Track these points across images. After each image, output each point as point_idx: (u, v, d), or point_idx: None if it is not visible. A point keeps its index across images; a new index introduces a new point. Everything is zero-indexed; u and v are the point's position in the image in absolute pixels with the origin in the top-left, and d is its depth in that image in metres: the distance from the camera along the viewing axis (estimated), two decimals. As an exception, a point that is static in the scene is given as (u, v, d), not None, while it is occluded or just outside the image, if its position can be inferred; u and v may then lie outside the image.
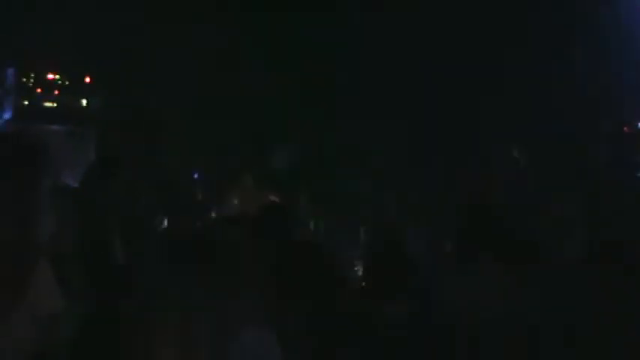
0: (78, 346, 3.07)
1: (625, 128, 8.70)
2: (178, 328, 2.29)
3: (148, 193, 5.35)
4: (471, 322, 3.04)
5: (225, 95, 8.84)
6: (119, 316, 2.61)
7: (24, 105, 8.15)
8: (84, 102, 8.29)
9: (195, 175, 8.05)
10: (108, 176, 5.25)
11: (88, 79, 8.28)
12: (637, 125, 8.46)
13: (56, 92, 8.24)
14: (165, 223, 5.69)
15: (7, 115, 8.04)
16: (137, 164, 5.44)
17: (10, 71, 8.15)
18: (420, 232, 6.94)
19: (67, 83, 8.30)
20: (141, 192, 5.23)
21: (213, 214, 6.89)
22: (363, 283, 4.02)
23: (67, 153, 7.78)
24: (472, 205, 4.60)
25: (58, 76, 8.29)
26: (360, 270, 6.58)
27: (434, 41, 8.78)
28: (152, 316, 2.32)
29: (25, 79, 8.17)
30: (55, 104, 8.21)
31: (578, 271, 3.46)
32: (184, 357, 2.25)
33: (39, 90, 8.21)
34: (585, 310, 3.11)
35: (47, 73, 8.24)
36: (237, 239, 3.80)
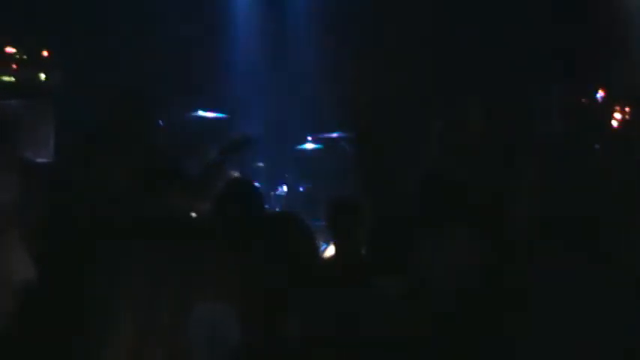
0: (41, 315, 3.08)
1: (582, 99, 8.73)
2: (139, 302, 2.30)
3: (126, 172, 5.31)
4: (445, 287, 3.10)
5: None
6: (83, 289, 2.62)
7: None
8: (42, 76, 8.21)
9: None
10: (87, 152, 5.21)
11: (46, 53, 8.19)
12: (595, 95, 8.51)
13: (14, 66, 8.15)
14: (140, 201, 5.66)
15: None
16: (118, 141, 5.40)
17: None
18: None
19: (24, 57, 8.20)
20: (119, 170, 5.19)
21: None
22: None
23: (26, 127, 7.73)
24: (437, 170, 4.67)
25: (15, 50, 8.19)
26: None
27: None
28: (114, 290, 2.34)
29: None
30: (12, 79, 8.13)
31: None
32: (144, 329, 2.27)
33: (-4, 64, 8.12)
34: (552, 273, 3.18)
35: (4, 47, 8.14)
36: (201, 216, 3.80)
